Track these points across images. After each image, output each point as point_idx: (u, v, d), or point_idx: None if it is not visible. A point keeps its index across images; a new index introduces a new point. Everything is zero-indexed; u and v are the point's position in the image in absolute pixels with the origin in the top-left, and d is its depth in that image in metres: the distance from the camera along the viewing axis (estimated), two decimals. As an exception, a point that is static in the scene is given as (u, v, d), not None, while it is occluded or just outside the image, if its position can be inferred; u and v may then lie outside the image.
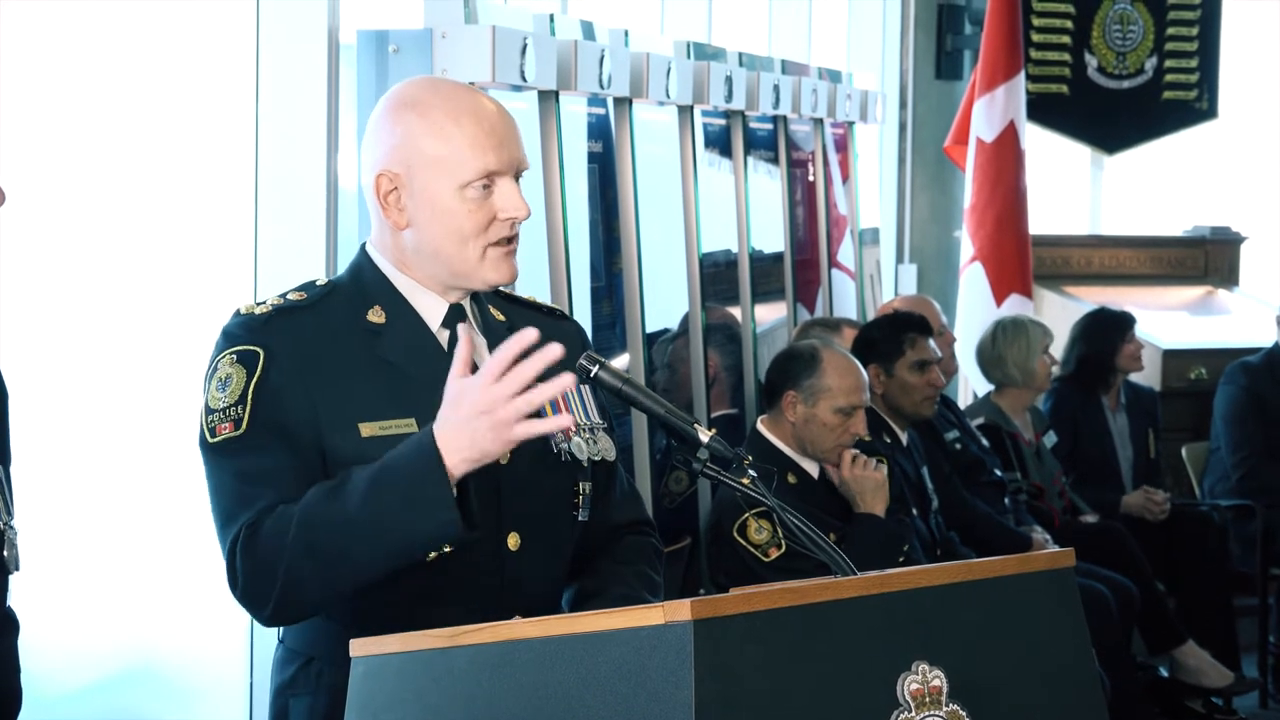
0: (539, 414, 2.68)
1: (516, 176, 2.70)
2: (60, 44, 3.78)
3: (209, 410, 2.64)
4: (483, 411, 2.49)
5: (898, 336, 5.68)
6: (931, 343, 5.72)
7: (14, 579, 2.46)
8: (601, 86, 4.74)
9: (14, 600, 2.50)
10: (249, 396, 2.61)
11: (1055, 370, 6.92)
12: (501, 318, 2.82)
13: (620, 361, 4.95)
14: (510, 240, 2.70)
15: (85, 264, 3.89)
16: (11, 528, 2.43)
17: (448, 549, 2.55)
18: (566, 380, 2.49)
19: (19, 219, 3.72)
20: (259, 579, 2.58)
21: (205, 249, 4.08)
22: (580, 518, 2.77)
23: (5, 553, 2.41)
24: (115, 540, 3.92)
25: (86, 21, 3.83)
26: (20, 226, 3.72)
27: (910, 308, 6.52)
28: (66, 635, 3.82)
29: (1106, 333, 7.21)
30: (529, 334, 2.51)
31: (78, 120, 3.84)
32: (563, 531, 2.78)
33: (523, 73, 4.23)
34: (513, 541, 2.70)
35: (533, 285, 4.38)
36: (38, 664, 3.24)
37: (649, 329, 5.12)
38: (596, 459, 2.80)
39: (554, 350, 2.48)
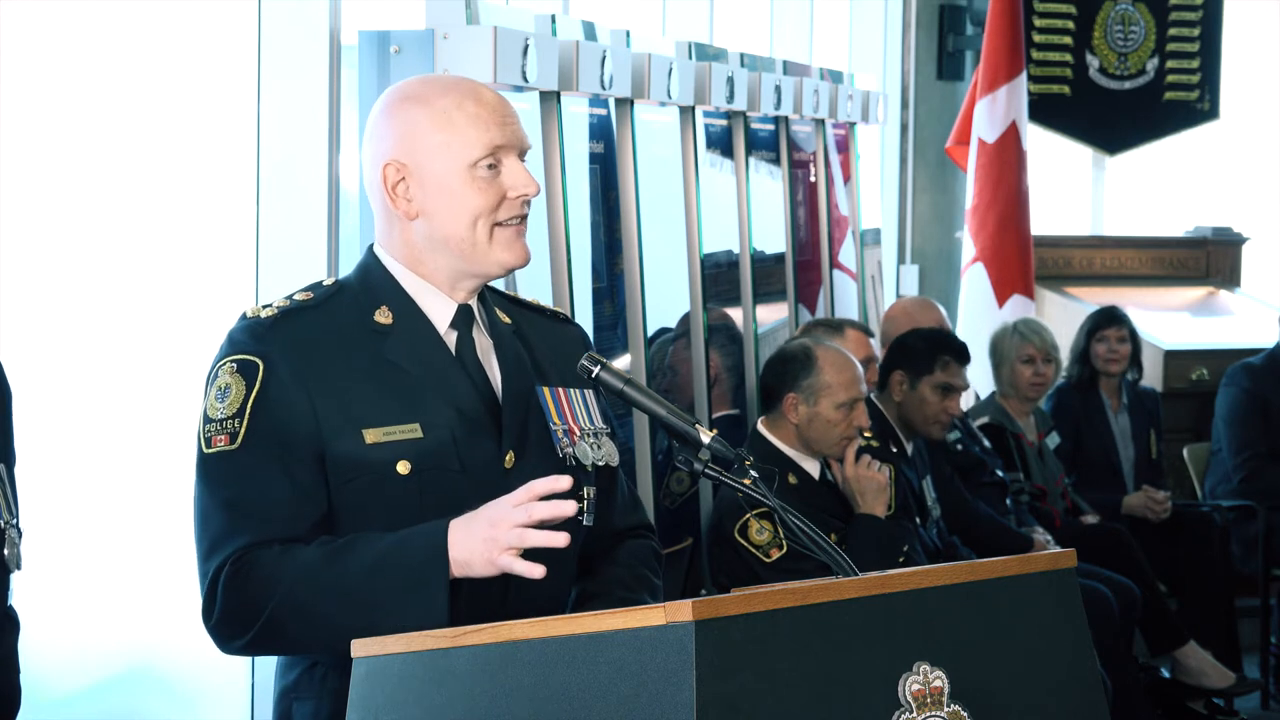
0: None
1: (521, 157, 2.72)
2: (61, 44, 3.77)
3: (207, 419, 2.65)
4: (491, 524, 2.52)
5: (934, 353, 5.68)
6: (966, 373, 5.73)
7: (15, 578, 2.46)
8: (603, 87, 4.73)
9: (15, 600, 2.50)
10: (246, 410, 2.62)
11: (1053, 377, 6.91)
12: (507, 320, 2.82)
13: (622, 362, 4.95)
14: (521, 220, 2.72)
15: (87, 265, 3.88)
16: (14, 527, 2.43)
17: None
18: (566, 509, 2.53)
19: (21, 219, 3.72)
20: (238, 618, 2.60)
21: (207, 250, 4.07)
22: (585, 522, 2.76)
23: (6, 552, 2.41)
24: (117, 540, 3.91)
25: (87, 22, 3.83)
26: (22, 227, 3.72)
27: (916, 310, 6.53)
28: (68, 635, 3.81)
29: (1083, 333, 7.24)
30: (563, 482, 2.53)
31: (79, 121, 3.83)
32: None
33: (524, 73, 4.23)
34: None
35: (534, 286, 4.38)
36: (39, 664, 3.25)
37: (650, 330, 5.12)
38: (601, 464, 2.81)
39: (567, 508, 2.53)
